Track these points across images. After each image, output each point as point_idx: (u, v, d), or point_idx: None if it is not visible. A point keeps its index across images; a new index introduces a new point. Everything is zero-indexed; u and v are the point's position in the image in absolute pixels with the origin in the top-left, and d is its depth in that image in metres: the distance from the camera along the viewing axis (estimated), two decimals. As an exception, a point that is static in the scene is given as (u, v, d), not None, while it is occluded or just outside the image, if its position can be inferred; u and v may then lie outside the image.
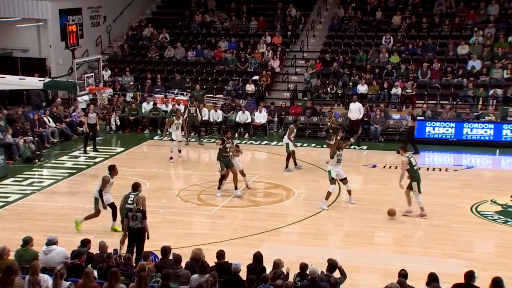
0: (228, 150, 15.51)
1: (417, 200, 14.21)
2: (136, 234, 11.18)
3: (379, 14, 27.43)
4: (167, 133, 19.09)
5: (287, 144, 17.77)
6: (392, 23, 26.94)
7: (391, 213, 14.14)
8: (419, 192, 14.11)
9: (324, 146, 21.22)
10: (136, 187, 12.28)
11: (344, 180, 15.00)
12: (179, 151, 19.25)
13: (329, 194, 14.77)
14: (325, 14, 28.62)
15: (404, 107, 23.26)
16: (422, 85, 23.86)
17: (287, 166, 17.92)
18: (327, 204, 14.84)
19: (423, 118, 21.72)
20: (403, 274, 8.89)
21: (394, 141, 21.51)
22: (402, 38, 26.00)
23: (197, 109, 21.47)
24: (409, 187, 14.16)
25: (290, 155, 17.86)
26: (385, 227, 13.96)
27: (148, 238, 11.32)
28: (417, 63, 24.74)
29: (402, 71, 24.31)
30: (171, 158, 18.87)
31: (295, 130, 18.05)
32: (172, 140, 18.93)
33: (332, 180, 14.81)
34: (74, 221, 13.29)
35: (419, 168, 14.58)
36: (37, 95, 23.81)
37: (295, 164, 18.04)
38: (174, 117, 19.40)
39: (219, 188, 15.71)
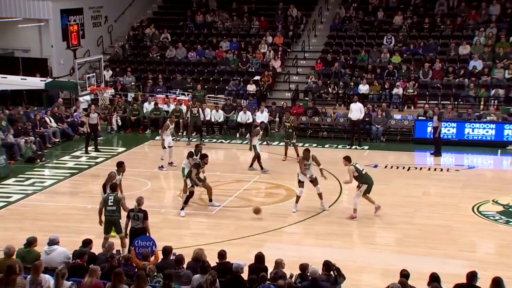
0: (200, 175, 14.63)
1: (355, 200, 14.14)
2: (137, 234, 11.17)
3: (380, 14, 27.41)
4: (163, 139, 18.07)
5: (254, 146, 17.65)
6: (394, 23, 26.91)
7: (257, 211, 14.16)
8: (368, 193, 14.06)
9: (326, 146, 21.27)
10: (114, 187, 12.18)
11: (314, 182, 14.61)
12: (170, 163, 18.20)
13: (297, 197, 14.64)
14: (326, 14, 28.61)
15: (406, 107, 23.28)
16: (424, 85, 23.84)
17: (251, 166, 17.86)
18: (296, 207, 14.63)
19: (424, 118, 21.72)
20: (405, 274, 8.89)
21: (396, 141, 21.50)
22: (403, 38, 25.98)
23: (199, 110, 21.48)
24: (367, 190, 14.05)
25: (258, 157, 17.67)
26: (386, 227, 13.95)
27: None
28: (418, 63, 24.72)
29: (404, 71, 24.29)
30: (162, 166, 18.03)
31: (260, 132, 18.13)
32: (164, 147, 18.05)
33: (300, 183, 14.56)
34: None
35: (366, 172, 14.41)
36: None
37: (261, 168, 17.77)
38: (168, 122, 18.62)
39: (185, 205, 14.50)
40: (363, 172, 14.20)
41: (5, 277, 8.60)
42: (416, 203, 15.29)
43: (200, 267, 9.10)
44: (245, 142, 21.27)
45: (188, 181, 14.47)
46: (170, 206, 15.05)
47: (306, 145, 21.17)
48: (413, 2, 27.58)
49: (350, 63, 25.50)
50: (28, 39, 27.65)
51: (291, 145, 19.01)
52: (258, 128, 18.37)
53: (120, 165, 13.41)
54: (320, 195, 14.67)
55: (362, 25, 27.20)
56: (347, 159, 14.28)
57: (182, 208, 14.41)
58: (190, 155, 15.07)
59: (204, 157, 14.67)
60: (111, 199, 11.80)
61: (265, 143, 17.98)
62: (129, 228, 11.44)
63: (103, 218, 11.81)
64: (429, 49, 25.23)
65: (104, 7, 28.44)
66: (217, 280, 8.65)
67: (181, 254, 9.63)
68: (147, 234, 11.28)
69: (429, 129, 20.67)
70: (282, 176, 17.54)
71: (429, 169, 18.62)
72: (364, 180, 14.08)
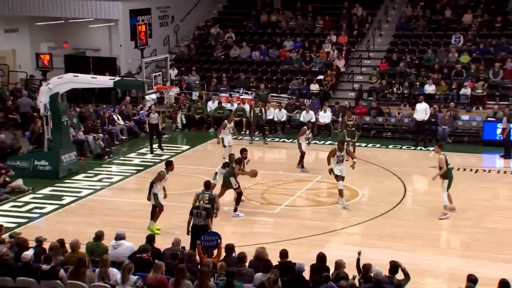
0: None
1: (443, 197, 14.14)
2: (199, 231, 11.27)
3: (448, 12, 26.76)
4: (220, 138, 18.22)
5: (299, 144, 17.69)
6: (463, 22, 26.22)
7: (254, 174, 14.54)
8: (447, 189, 14.10)
9: (390, 146, 20.95)
10: (208, 185, 12.44)
11: (338, 177, 14.81)
12: None
13: (340, 191, 14.81)
14: (392, 13, 28.17)
15: (474, 108, 22.65)
16: (494, 85, 23.12)
17: (299, 164, 17.83)
18: (346, 202, 14.86)
19: (493, 119, 21.06)
20: (472, 279, 8.63)
21: (463, 142, 20.94)
22: (473, 37, 25.27)
23: (262, 109, 21.57)
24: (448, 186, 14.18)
25: (302, 155, 17.69)
26: (451, 230, 13.64)
27: None
28: (488, 62, 24.00)
29: (472, 71, 23.63)
30: None
31: (307, 132, 17.95)
32: (224, 146, 18.18)
33: (337, 177, 14.77)
34: (147, 228, 13.13)
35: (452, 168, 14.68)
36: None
37: (302, 167, 17.75)
38: (226, 121, 18.60)
39: (237, 205, 14.46)
40: (449, 166, 14.20)
41: (76, 269, 8.92)
42: (484, 207, 14.87)
43: (262, 266, 9.15)
44: (308, 142, 21.19)
45: (233, 182, 14.31)
46: (232, 204, 15.17)
47: (369, 145, 21.01)
48: (483, 0, 26.77)
49: (416, 62, 25.01)
50: (99, 39, 28.50)
51: (351, 144, 18.72)
52: (305, 127, 18.27)
53: (169, 164, 13.59)
54: (341, 191, 14.74)
55: (429, 24, 26.63)
56: (441, 147, 14.46)
57: (235, 210, 14.40)
58: (225, 165, 14.78)
59: (243, 150, 14.83)
60: (206, 196, 12.05)
61: (307, 142, 17.94)
62: (191, 225, 11.60)
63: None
64: (501, 48, 24.43)
65: (171, 7, 28.97)
66: (279, 279, 8.68)
67: (243, 252, 9.72)
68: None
69: (499, 131, 20.04)
70: (345, 176, 17.34)
71: (498, 171, 18.06)
72: (448, 174, 14.09)
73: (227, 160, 15.12)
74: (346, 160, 15.29)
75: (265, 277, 8.76)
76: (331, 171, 14.85)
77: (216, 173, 14.87)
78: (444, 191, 14.11)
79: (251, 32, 28.78)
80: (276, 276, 8.56)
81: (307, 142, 18.06)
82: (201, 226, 11.43)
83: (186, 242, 11.05)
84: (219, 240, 10.44)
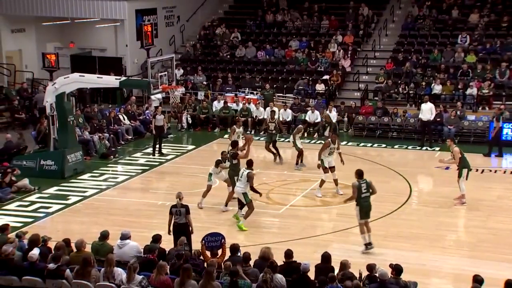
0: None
1: (461, 186, 14.75)
2: (180, 229, 11.37)
3: (455, 12, 26.68)
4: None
5: (294, 142, 17.88)
6: (469, 22, 26.14)
7: (249, 140, 15.57)
8: (466, 179, 14.79)
9: (396, 146, 20.91)
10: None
11: (332, 168, 15.65)
12: None
13: (322, 181, 15.58)
14: (398, 13, 28.12)
15: (480, 108, 22.57)
16: (500, 85, 23.04)
17: (299, 161, 18.09)
18: (320, 192, 15.63)
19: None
20: (478, 280, 8.61)
21: (469, 142, 20.86)
22: (479, 37, 25.18)
23: (277, 125, 19.35)
24: (459, 175, 14.84)
25: (300, 153, 17.90)
26: (458, 231, 13.61)
27: (192, 233, 11.51)
28: (495, 62, 23.91)
29: (479, 71, 23.55)
30: None
31: (302, 131, 18.55)
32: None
33: (326, 169, 15.49)
34: (238, 226, 13.50)
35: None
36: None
37: (297, 163, 18.08)
38: (235, 126, 18.27)
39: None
40: (464, 155, 14.96)
41: (81, 268, 8.95)
42: (490, 207, 14.82)
43: (268, 266, 9.12)
44: (313, 142, 21.22)
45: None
46: (237, 204, 15.17)
47: (375, 145, 20.97)
48: (490, 0, 26.68)
49: (422, 62, 24.95)
50: (105, 39, 28.56)
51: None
52: (301, 126, 18.75)
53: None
54: (336, 181, 15.64)
55: (435, 23, 26.56)
56: (453, 141, 15.51)
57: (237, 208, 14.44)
58: (217, 163, 14.86)
59: (235, 144, 15.25)
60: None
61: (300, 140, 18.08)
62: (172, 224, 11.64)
63: None
64: (507, 48, 24.35)
65: (176, 7, 29.01)
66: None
67: (248, 252, 9.72)
68: (190, 229, 11.49)
69: (505, 131, 20.01)
70: (351, 176, 17.30)
71: (504, 172, 17.99)
72: (464, 164, 14.82)
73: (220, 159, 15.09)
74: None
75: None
76: (319, 165, 15.52)
77: (210, 174, 14.86)
78: (462, 180, 14.75)
79: (256, 32, 28.79)
80: (270, 275, 8.55)
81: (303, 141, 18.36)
82: (182, 224, 11.48)
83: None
84: (222, 240, 10.45)
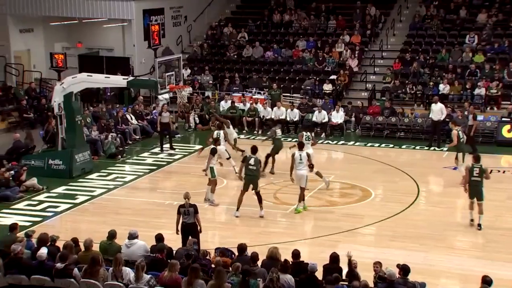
0: None
1: (461, 169, 15.37)
2: (189, 229, 11.41)
3: (463, 12, 26.59)
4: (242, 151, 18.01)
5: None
6: (477, 21, 26.05)
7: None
8: (463, 161, 15.79)
9: (403, 147, 20.86)
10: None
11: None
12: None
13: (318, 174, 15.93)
14: (405, 12, 28.04)
15: (488, 108, 22.49)
16: (508, 85, 22.94)
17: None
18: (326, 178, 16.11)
19: (508, 119, 20.93)
20: (487, 281, 8.58)
21: (477, 142, 20.77)
22: (487, 37, 25.08)
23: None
24: (457, 157, 16.21)
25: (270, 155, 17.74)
26: (465, 231, 13.54)
27: (200, 232, 11.56)
28: (503, 62, 23.82)
29: (487, 70, 23.46)
30: None
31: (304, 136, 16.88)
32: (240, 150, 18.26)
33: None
34: (296, 211, 14.40)
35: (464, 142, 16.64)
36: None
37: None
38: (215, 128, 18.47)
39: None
40: (462, 140, 16.39)
41: (90, 267, 8.98)
42: (499, 208, 14.75)
43: (280, 265, 9.10)
44: (321, 141, 21.16)
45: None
46: (244, 203, 15.16)
47: (383, 145, 20.93)
48: (498, 0, 26.58)
49: (430, 62, 24.88)
50: (112, 38, 28.61)
51: None
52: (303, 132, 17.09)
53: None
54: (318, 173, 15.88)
55: (443, 23, 26.48)
56: (455, 124, 17.05)
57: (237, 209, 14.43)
58: (213, 151, 15.22)
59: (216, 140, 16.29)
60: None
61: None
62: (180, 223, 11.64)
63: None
64: (515, 48, 24.26)
65: (184, 7, 29.03)
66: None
67: (255, 251, 9.72)
68: (199, 229, 11.51)
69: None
70: (358, 176, 17.34)
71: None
72: (461, 148, 16.18)
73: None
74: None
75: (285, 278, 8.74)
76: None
77: (212, 168, 14.97)
78: (461, 164, 15.81)
79: (264, 32, 28.78)
80: (276, 274, 8.56)
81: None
82: (190, 224, 11.49)
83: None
84: (232, 255, 10.43)
